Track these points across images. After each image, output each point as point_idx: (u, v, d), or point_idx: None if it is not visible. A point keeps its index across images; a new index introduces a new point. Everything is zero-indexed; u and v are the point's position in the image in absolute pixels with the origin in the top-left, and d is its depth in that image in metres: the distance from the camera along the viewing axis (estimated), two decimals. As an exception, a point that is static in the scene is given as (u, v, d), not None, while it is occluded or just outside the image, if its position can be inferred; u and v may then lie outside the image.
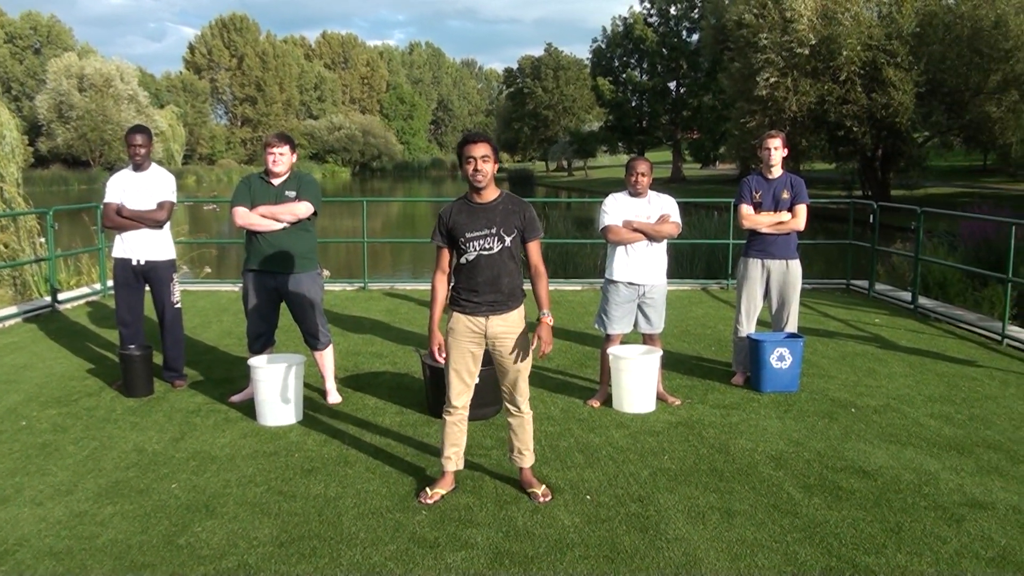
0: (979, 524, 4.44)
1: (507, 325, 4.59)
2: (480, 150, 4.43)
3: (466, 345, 4.60)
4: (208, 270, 15.11)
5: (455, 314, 4.62)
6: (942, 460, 5.33)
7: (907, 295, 10.86)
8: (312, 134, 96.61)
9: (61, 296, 10.35)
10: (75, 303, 10.41)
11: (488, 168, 4.45)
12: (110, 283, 10.87)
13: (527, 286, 4.67)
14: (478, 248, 4.50)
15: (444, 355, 4.64)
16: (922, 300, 10.44)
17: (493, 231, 4.50)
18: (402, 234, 28.44)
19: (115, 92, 70.61)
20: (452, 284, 4.68)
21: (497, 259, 4.52)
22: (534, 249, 4.63)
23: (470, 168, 4.45)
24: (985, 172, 42.58)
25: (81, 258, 12.87)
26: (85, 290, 11.11)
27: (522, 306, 4.67)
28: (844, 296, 11.33)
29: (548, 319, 4.59)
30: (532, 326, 4.65)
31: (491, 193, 4.56)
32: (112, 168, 67.86)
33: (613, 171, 76.14)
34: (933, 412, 6.30)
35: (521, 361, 4.62)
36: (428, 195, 61.90)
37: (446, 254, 4.63)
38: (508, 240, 4.52)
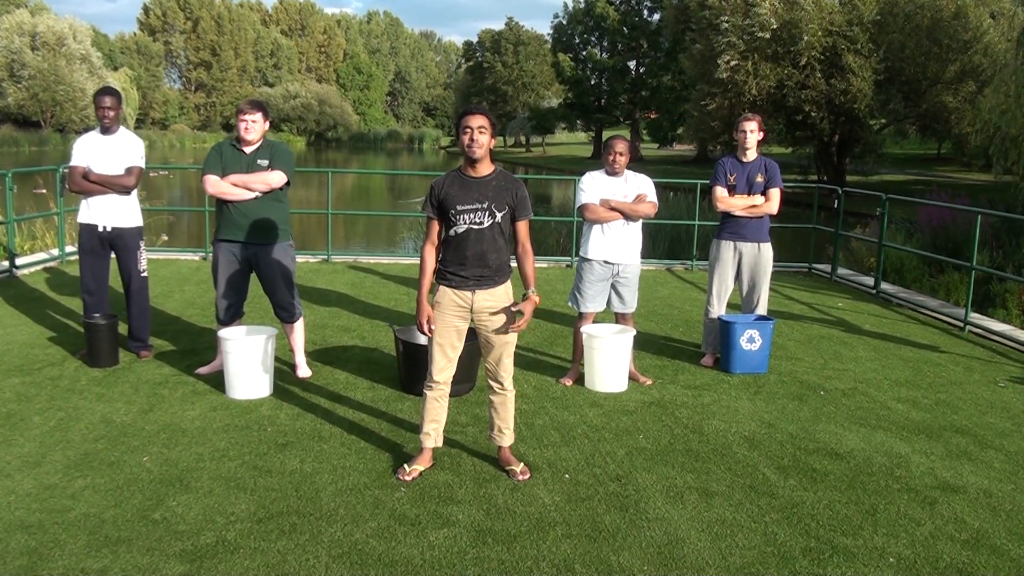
0: (952, 507, 4.51)
1: (493, 300, 4.56)
2: (478, 120, 4.39)
3: (451, 319, 4.56)
4: (165, 238, 14.86)
5: (441, 288, 4.58)
6: (912, 444, 5.41)
7: (869, 280, 11.00)
8: (267, 102, 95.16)
9: (19, 261, 10.11)
10: (33, 268, 10.18)
11: (484, 139, 4.41)
12: (69, 249, 10.69)
13: (513, 264, 4.64)
14: (468, 222, 4.46)
15: (432, 327, 4.58)
16: (883, 285, 10.57)
17: (484, 205, 4.46)
18: (357, 206, 28.23)
19: (68, 52, 68.98)
20: (440, 257, 4.64)
21: (487, 234, 4.48)
22: (523, 228, 4.60)
23: (467, 138, 4.40)
24: (939, 160, 43.19)
25: (35, 223, 12.58)
26: (43, 256, 10.86)
27: (508, 282, 4.64)
28: (807, 280, 11.44)
29: (535, 297, 4.57)
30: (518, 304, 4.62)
31: (485, 168, 4.52)
32: (63, 130, 66.95)
33: (571, 148, 76.32)
34: (900, 396, 6.39)
35: (506, 337, 4.59)
36: (384, 167, 61.47)
37: (436, 226, 4.58)
38: (499, 216, 4.48)
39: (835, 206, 11.54)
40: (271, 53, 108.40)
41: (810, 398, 6.27)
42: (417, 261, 11.47)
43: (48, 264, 10.51)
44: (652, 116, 64.82)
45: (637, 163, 52.95)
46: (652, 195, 6.34)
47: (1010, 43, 18.78)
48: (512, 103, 75.91)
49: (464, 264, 4.51)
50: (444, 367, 4.65)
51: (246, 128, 6.06)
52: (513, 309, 4.60)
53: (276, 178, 6.10)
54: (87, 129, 7.14)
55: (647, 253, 14.08)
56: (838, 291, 10.64)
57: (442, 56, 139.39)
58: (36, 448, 4.88)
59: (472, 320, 4.61)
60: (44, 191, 16.84)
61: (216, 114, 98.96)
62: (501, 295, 4.59)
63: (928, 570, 3.86)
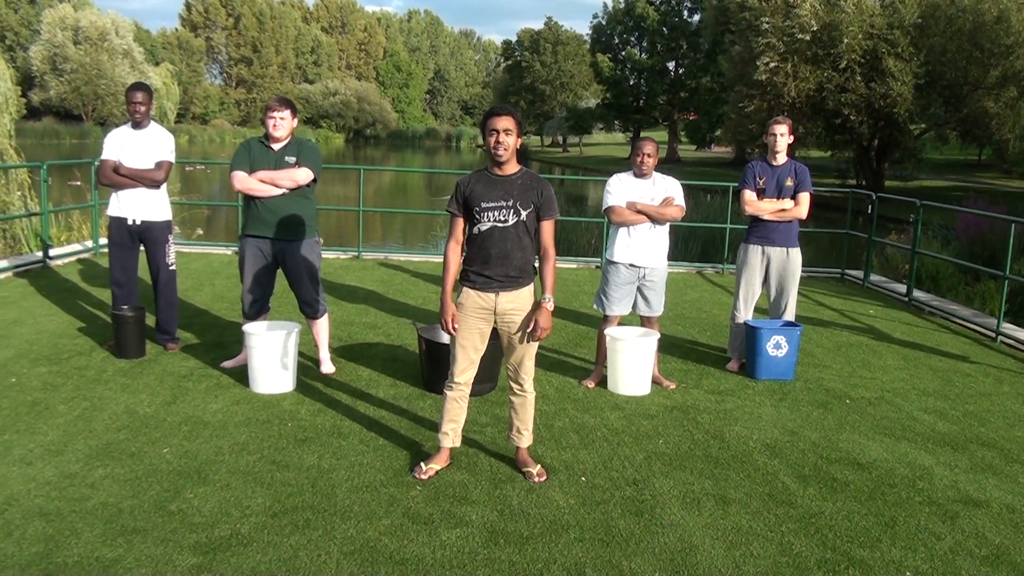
0: (973, 522, 4.43)
1: (517, 302, 4.54)
2: (503, 123, 4.37)
3: (474, 321, 4.55)
4: (200, 232, 15.03)
5: (465, 289, 4.57)
6: (936, 456, 5.33)
7: (901, 287, 10.86)
8: (307, 98, 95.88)
9: (52, 252, 10.25)
10: (66, 259, 10.31)
11: (510, 141, 4.39)
12: (103, 241, 10.81)
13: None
14: (492, 219, 4.45)
15: (456, 326, 4.57)
16: (916, 293, 10.44)
17: (509, 203, 4.44)
18: (393, 204, 28.34)
19: (110, 46, 69.90)
20: (464, 257, 4.63)
21: (511, 233, 4.46)
22: (547, 229, 4.56)
23: (492, 140, 4.39)
24: (979, 167, 42.59)
25: (72, 214, 12.74)
26: (77, 247, 11.01)
27: (532, 284, 4.62)
28: (839, 285, 11.32)
29: (548, 304, 4.49)
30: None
31: (511, 167, 4.51)
32: (104, 123, 67.78)
33: (608, 149, 76.05)
34: (927, 407, 6.30)
35: (528, 339, 4.58)
36: (422, 165, 61.66)
37: (461, 223, 4.58)
38: (524, 215, 4.46)
39: (870, 211, 11.40)
40: (311, 50, 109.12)
41: (835, 406, 6.20)
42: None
43: (82, 255, 10.64)
44: (690, 118, 64.48)
45: (674, 164, 52.78)
46: (680, 198, 6.29)
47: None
48: (550, 103, 75.75)
49: (488, 263, 4.49)
50: (466, 368, 4.65)
51: (274, 125, 6.09)
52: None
53: (303, 175, 6.13)
54: (111, 122, 7.21)
55: (679, 255, 14.08)
56: (870, 298, 10.52)
57: (481, 55, 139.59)
58: (59, 437, 4.94)
59: (495, 321, 4.59)
60: (79, 183, 17.07)
61: (256, 110, 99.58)
62: (524, 297, 4.57)
63: (945, 584, 3.80)
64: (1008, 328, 8.70)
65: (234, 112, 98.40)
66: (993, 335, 8.56)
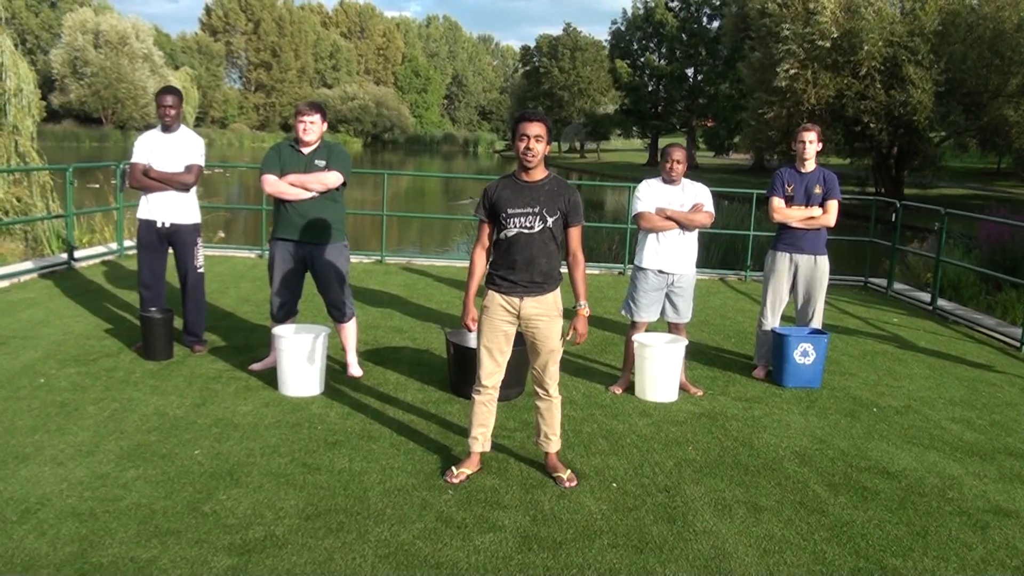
0: (1004, 532, 4.41)
1: (541, 307, 4.55)
2: (535, 128, 4.38)
3: (499, 324, 4.57)
4: (222, 235, 15.08)
5: (490, 292, 4.59)
6: (965, 465, 5.31)
7: (925, 296, 10.82)
8: (325, 103, 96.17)
9: (77, 254, 10.32)
10: (91, 262, 10.38)
11: (540, 148, 4.40)
12: (127, 243, 10.90)
13: (563, 270, 4.64)
14: (518, 225, 4.46)
15: (476, 327, 4.60)
16: (940, 302, 10.39)
17: (536, 210, 4.45)
18: (411, 208, 28.39)
19: (130, 50, 70.38)
20: (490, 261, 4.65)
21: (537, 239, 4.47)
22: (575, 235, 4.58)
23: (522, 145, 4.40)
24: (999, 175, 42.37)
25: (94, 216, 12.83)
26: (101, 249, 11.08)
27: (558, 289, 4.63)
28: (862, 294, 11.28)
29: (585, 310, 4.57)
30: (567, 312, 4.62)
31: (539, 173, 4.52)
32: (123, 127, 68.21)
33: (625, 155, 76.06)
34: (954, 416, 6.27)
35: (553, 344, 4.59)
36: (439, 170, 61.78)
37: (487, 229, 4.60)
38: (550, 221, 4.47)
39: (893, 219, 11.36)
40: (330, 55, 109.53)
41: (863, 415, 6.17)
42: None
43: (106, 257, 10.71)
44: (709, 124, 64.44)
45: (692, 171, 52.58)
46: (709, 204, 6.29)
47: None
48: (568, 108, 75.84)
49: (513, 268, 4.51)
50: (492, 371, 4.66)
51: (304, 129, 6.12)
52: (568, 337, 4.60)
53: (333, 178, 6.15)
54: (148, 127, 7.26)
55: (700, 262, 14.01)
56: (894, 306, 10.47)
57: (499, 60, 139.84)
58: (90, 437, 4.97)
59: (520, 326, 4.60)
60: (98, 185, 17.19)
61: (275, 114, 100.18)
62: (550, 303, 4.59)
63: (981, 595, 3.78)
64: (1034, 337, 8.65)
65: (253, 116, 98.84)
66: (1018, 344, 8.51)
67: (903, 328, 9.18)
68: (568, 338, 4.60)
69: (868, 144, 31.34)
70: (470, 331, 4.69)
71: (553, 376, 4.72)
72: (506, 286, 4.54)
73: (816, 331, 6.85)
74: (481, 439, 4.73)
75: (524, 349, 4.88)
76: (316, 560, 3.75)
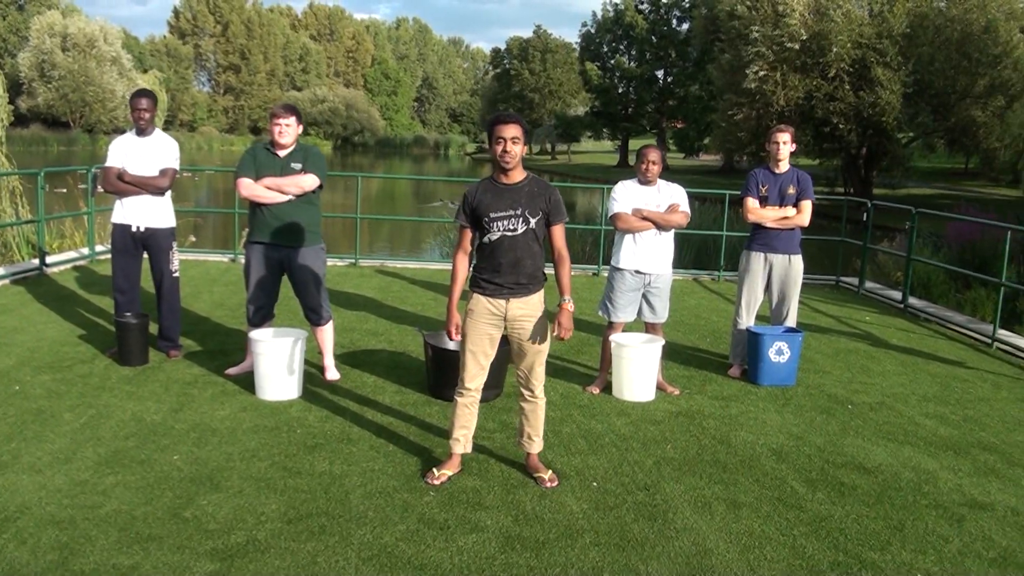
0: (979, 524, 4.48)
1: (527, 308, 4.57)
2: (511, 131, 4.39)
3: (484, 327, 4.58)
4: (193, 239, 14.99)
5: (475, 296, 4.59)
6: (939, 460, 5.38)
7: (896, 294, 10.94)
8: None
9: (48, 260, 10.22)
10: (62, 267, 10.28)
11: (517, 150, 4.42)
12: (99, 248, 10.81)
13: (548, 270, 4.66)
14: (502, 229, 4.47)
15: (460, 336, 4.61)
16: (911, 300, 10.51)
17: (518, 212, 4.46)
18: (381, 211, 28.30)
19: (98, 53, 69.58)
20: (473, 265, 4.66)
21: (520, 241, 4.49)
22: (558, 233, 4.61)
23: (499, 148, 4.41)
24: (966, 175, 42.88)
25: (64, 221, 12.71)
26: (73, 254, 10.98)
27: (542, 290, 4.65)
28: (834, 292, 11.39)
29: (569, 305, 4.58)
30: (551, 312, 4.64)
31: (518, 175, 4.53)
32: (92, 131, 67.52)
33: (596, 157, 76.27)
34: (928, 412, 6.35)
35: (539, 345, 4.61)
36: (410, 173, 61.65)
37: (469, 234, 4.60)
38: (532, 222, 4.49)
39: (864, 219, 11.48)
40: (300, 57, 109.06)
41: (838, 411, 6.24)
42: (445, 267, 11.57)
43: (78, 263, 10.61)
44: (679, 126, 64.76)
45: (663, 172, 52.75)
46: (685, 205, 6.34)
47: (1041, 58, 18.65)
48: (539, 110, 76.00)
49: (499, 271, 4.52)
50: (476, 374, 4.67)
51: (280, 132, 6.11)
52: (553, 334, 4.62)
53: (309, 181, 6.14)
54: (116, 130, 7.21)
55: (674, 263, 14.05)
56: (865, 304, 10.59)
57: (469, 63, 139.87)
58: (67, 444, 4.93)
59: (505, 328, 4.62)
60: (65, 190, 17.03)
61: (244, 117, 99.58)
62: (535, 304, 4.60)
63: (958, 587, 3.84)
64: (1004, 334, 8.77)
65: (222, 119, 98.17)
66: (989, 341, 8.63)
67: (875, 326, 9.29)
68: (554, 334, 4.61)
69: (837, 145, 31.66)
70: (452, 339, 4.67)
71: (539, 377, 4.73)
72: (492, 289, 4.55)
73: (790, 330, 6.92)
74: (463, 440, 4.74)
75: (503, 351, 4.89)
76: (299, 564, 3.74)
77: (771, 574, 3.85)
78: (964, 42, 28.22)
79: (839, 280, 12.01)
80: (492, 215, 4.47)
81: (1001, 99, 28.48)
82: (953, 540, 4.29)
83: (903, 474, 5.11)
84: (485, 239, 4.53)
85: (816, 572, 3.89)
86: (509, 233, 4.47)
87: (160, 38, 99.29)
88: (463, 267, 4.64)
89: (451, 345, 6.09)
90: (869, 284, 11.72)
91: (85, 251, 11.05)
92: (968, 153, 36.48)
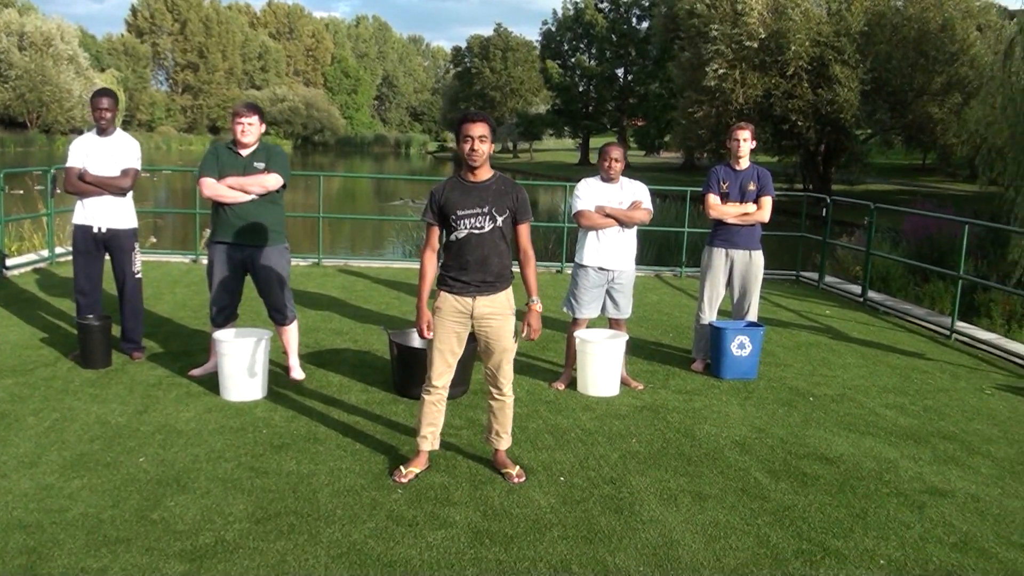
0: (940, 511, 4.58)
1: (494, 307, 4.59)
2: (478, 129, 4.41)
3: (452, 325, 4.60)
4: (154, 240, 14.84)
5: (442, 294, 4.61)
6: (900, 449, 5.48)
7: (855, 288, 11.10)
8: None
9: (8, 262, 10.08)
10: (22, 270, 10.15)
11: (484, 148, 4.44)
12: (59, 250, 10.69)
13: (515, 269, 4.69)
14: (468, 227, 4.49)
15: (431, 333, 4.63)
16: (871, 293, 10.67)
17: (485, 210, 4.49)
18: (343, 209, 28.18)
19: (55, 52, 68.41)
20: (440, 263, 4.67)
21: (487, 239, 4.51)
22: (524, 232, 4.64)
23: (467, 147, 4.43)
24: (924, 171, 43.47)
25: (23, 223, 12.54)
26: (32, 257, 10.84)
27: (510, 288, 4.68)
28: (794, 287, 11.53)
29: (537, 306, 4.63)
30: (520, 313, 4.67)
31: (485, 173, 4.56)
32: (48, 131, 66.50)
33: (558, 155, 76.35)
34: (888, 403, 6.47)
35: (507, 343, 4.64)
36: (371, 172, 61.43)
37: (436, 232, 4.62)
38: (499, 220, 4.51)
39: (823, 215, 11.63)
40: (259, 56, 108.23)
41: (799, 404, 6.33)
42: (408, 266, 11.57)
43: (37, 265, 10.48)
44: (639, 123, 65.04)
45: (624, 169, 52.92)
46: (647, 202, 6.40)
47: (996, 56, 18.95)
48: (500, 109, 75.93)
49: (466, 269, 4.54)
50: (443, 372, 4.69)
51: (242, 131, 6.08)
52: (523, 334, 4.66)
53: (272, 180, 6.12)
54: (74, 130, 7.14)
55: (636, 259, 14.13)
56: (825, 299, 10.73)
57: (430, 61, 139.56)
58: (32, 448, 4.89)
59: (473, 326, 4.64)
60: (22, 191, 16.78)
61: (203, 116, 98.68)
62: (502, 302, 4.63)
63: (918, 572, 3.93)
64: (961, 326, 8.94)
65: (180, 119, 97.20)
66: (947, 333, 8.78)
67: (835, 319, 9.42)
68: (523, 335, 4.65)
69: (796, 142, 31.98)
70: (424, 337, 4.68)
71: (507, 375, 4.76)
72: (459, 287, 4.57)
73: (752, 324, 7.01)
74: (430, 438, 4.76)
75: (469, 348, 4.92)
76: (268, 563, 3.75)
77: (736, 563, 3.91)
78: (921, 40, 28.64)
79: (799, 275, 12.16)
80: (459, 213, 4.49)
81: (958, 96, 28.91)
82: (915, 526, 4.38)
83: (864, 463, 5.20)
84: (452, 237, 4.55)
85: (781, 560, 3.96)
86: (476, 231, 4.50)
87: (117, 36, 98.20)
88: (431, 265, 4.65)
89: (417, 343, 6.12)
90: (829, 278, 11.88)
91: (45, 253, 10.91)
92: (925, 149, 36.99)
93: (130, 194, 6.71)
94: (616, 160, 6.28)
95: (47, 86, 67.40)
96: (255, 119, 6.12)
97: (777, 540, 4.15)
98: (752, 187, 6.88)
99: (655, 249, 14.86)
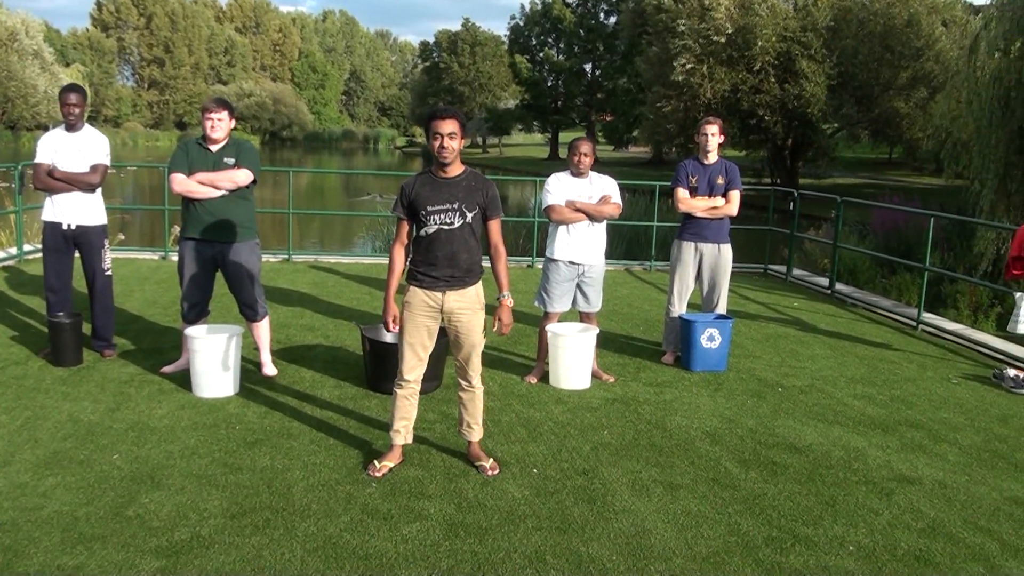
0: (908, 498, 4.67)
1: (464, 301, 4.63)
2: (448, 126, 4.43)
3: (422, 319, 4.62)
4: (122, 236, 14.73)
5: (412, 288, 4.64)
6: (868, 438, 5.57)
7: (823, 280, 11.23)
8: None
9: (-27, 260, 9.99)
10: (-12, 268, 10.06)
11: (454, 145, 4.46)
12: (27, 247, 10.60)
13: (486, 263, 4.72)
14: (438, 222, 4.52)
15: (397, 327, 4.65)
16: (838, 286, 10.80)
17: (455, 206, 4.52)
18: (312, 205, 28.07)
19: (20, 47, 67.30)
20: (410, 258, 4.70)
21: (457, 234, 4.54)
22: (495, 228, 4.67)
23: (436, 144, 4.45)
24: (890, 164, 43.95)
25: (-10, 221, 12.43)
26: (0, 254, 10.74)
27: (480, 283, 4.71)
28: (763, 280, 11.65)
29: (508, 301, 4.68)
30: (491, 308, 4.70)
31: (456, 169, 4.58)
32: (14, 127, 65.62)
33: (527, 150, 76.44)
34: (856, 393, 6.56)
35: (476, 338, 4.67)
36: (339, 167, 61.18)
37: (406, 226, 4.64)
38: (469, 216, 4.54)
39: (791, 208, 11.75)
40: (225, 51, 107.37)
41: (769, 395, 6.42)
42: (379, 261, 11.57)
43: (6, 263, 10.39)
44: (608, 118, 65.22)
45: (594, 165, 53.12)
46: (616, 196, 6.45)
47: (962, 51, 19.22)
48: (469, 104, 75.75)
49: (435, 265, 4.57)
50: (414, 366, 4.71)
51: (212, 126, 6.07)
52: (494, 328, 4.70)
53: (243, 176, 6.11)
54: (39, 126, 7.08)
55: (606, 253, 14.21)
56: (793, 291, 10.85)
57: (398, 56, 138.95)
58: (4, 447, 4.87)
59: (443, 320, 4.67)
60: (6, 185, 16.61)
61: (169, 112, 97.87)
62: (472, 296, 4.67)
63: (887, 557, 4.00)
64: (928, 317, 9.08)
65: (146, 114, 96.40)
66: (914, 324, 8.92)
67: (803, 312, 9.53)
68: (495, 329, 4.69)
69: (763, 136, 32.24)
70: (390, 331, 4.72)
71: (476, 368, 4.80)
72: (428, 281, 4.60)
73: (721, 316, 7.08)
74: (404, 432, 4.79)
75: (442, 343, 4.95)
76: (244, 558, 3.76)
77: (708, 551, 3.97)
78: (887, 35, 28.96)
79: (767, 268, 12.28)
80: (429, 208, 4.51)
81: (924, 91, 29.27)
82: (883, 513, 4.46)
83: (833, 452, 5.29)
84: (422, 232, 4.57)
85: (751, 547, 4.02)
86: (446, 227, 4.53)
87: (82, 31, 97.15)
88: (400, 259, 4.67)
89: (389, 338, 6.14)
90: (797, 271, 12.01)
91: (13, 251, 10.81)
92: (892, 143, 37.39)
93: (99, 190, 6.68)
94: (586, 155, 6.32)
95: (12, 81, 66.32)
96: (224, 115, 6.11)
97: (748, 528, 4.22)
98: (720, 181, 6.95)
99: (625, 243, 14.94)
